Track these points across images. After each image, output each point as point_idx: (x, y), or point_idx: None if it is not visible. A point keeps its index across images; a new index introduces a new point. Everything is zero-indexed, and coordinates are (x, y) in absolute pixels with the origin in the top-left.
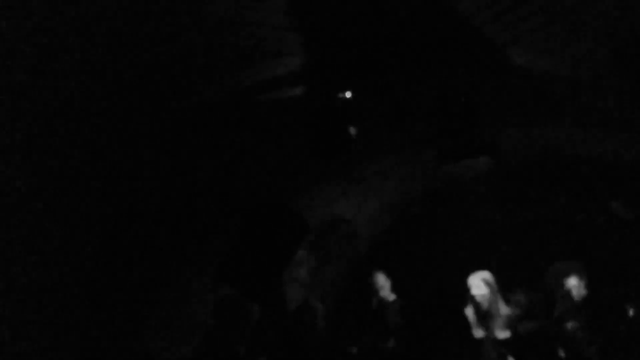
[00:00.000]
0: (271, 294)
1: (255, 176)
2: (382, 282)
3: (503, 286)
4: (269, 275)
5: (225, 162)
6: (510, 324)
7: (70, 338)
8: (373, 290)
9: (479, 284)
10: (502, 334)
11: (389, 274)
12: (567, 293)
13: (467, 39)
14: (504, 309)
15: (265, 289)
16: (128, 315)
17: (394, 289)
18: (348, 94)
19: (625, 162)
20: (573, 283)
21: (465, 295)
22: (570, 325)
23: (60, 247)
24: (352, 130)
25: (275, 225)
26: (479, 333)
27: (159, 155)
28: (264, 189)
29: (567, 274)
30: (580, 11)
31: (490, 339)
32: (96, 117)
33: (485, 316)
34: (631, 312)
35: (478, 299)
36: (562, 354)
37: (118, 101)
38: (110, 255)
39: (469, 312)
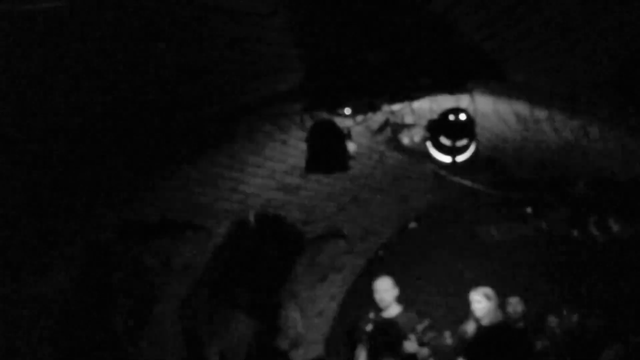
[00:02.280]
0: (269, 310)
1: (257, 189)
2: (387, 286)
3: (502, 301)
4: (266, 290)
5: (223, 176)
6: None
7: None
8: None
9: (480, 298)
10: None
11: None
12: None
13: (465, 56)
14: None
15: (262, 304)
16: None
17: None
18: (347, 111)
19: (622, 179)
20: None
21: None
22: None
23: None
24: (351, 147)
25: (272, 239)
26: None
27: (157, 167)
28: (261, 201)
29: None
30: (578, 29)
31: None
32: (96, 135)
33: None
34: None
35: (479, 313)
36: None
37: (119, 116)
38: None
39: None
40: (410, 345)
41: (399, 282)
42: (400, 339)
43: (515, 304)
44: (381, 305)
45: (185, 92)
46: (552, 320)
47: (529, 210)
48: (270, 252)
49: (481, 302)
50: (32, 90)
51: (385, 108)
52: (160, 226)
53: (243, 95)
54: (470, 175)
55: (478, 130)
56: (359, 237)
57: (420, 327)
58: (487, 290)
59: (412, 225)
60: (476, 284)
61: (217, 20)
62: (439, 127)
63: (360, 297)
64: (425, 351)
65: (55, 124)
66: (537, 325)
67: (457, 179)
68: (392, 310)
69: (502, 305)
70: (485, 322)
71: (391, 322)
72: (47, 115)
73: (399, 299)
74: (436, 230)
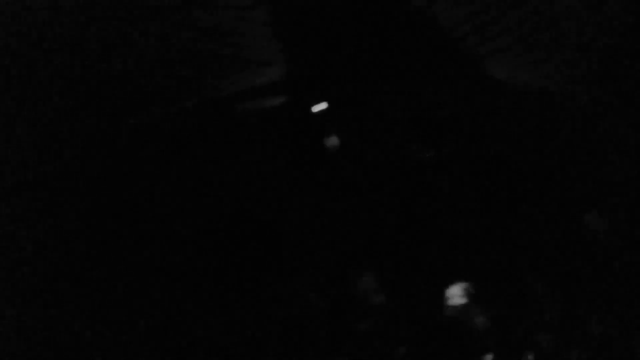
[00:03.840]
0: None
1: (233, 185)
2: (371, 283)
3: (479, 297)
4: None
5: (203, 172)
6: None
7: None
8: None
9: (457, 293)
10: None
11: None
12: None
13: (446, 52)
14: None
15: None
16: None
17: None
18: (323, 105)
19: (600, 174)
20: None
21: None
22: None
23: None
24: (332, 141)
25: (253, 235)
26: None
27: (136, 163)
28: (243, 197)
29: None
30: (558, 25)
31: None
32: (73, 122)
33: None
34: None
35: (455, 310)
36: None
37: (98, 107)
38: None
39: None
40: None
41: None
42: None
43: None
44: None
45: (163, 83)
46: None
47: (505, 203)
48: (250, 247)
49: (459, 298)
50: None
51: None
52: None
53: (223, 88)
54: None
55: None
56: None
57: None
58: (466, 285)
59: (392, 217)
60: (453, 279)
61: (198, 11)
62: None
63: None
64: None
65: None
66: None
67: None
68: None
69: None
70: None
71: None
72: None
73: None
74: (414, 221)
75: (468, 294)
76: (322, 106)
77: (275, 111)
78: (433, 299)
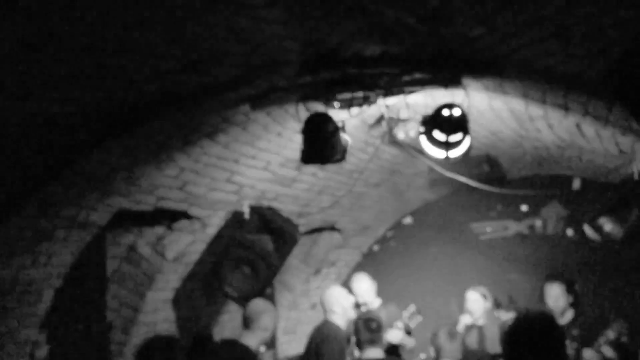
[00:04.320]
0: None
1: (248, 179)
2: (366, 286)
3: (495, 300)
4: (259, 281)
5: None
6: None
7: None
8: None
9: (477, 297)
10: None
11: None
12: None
13: (460, 51)
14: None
15: (255, 295)
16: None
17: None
18: (343, 104)
19: (615, 179)
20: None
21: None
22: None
23: None
24: (346, 139)
25: (266, 231)
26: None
27: (152, 155)
28: (256, 193)
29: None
30: (574, 28)
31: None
32: (92, 122)
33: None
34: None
35: (475, 313)
36: None
37: (116, 105)
38: None
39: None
40: (395, 335)
41: (392, 277)
42: (381, 330)
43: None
44: (365, 308)
45: (181, 82)
46: None
47: (524, 208)
48: (264, 244)
49: (478, 301)
50: (33, 79)
51: (381, 102)
52: (154, 215)
53: (238, 85)
54: (465, 171)
55: (473, 126)
56: (353, 232)
57: (406, 314)
58: (484, 289)
59: (407, 220)
60: (470, 280)
61: (215, 10)
62: (433, 122)
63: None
64: (411, 341)
65: (53, 112)
66: None
67: (452, 174)
68: (374, 305)
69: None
70: (480, 322)
71: (373, 315)
72: (47, 103)
73: (379, 293)
74: (431, 225)
75: None
76: (342, 104)
77: (290, 109)
78: None
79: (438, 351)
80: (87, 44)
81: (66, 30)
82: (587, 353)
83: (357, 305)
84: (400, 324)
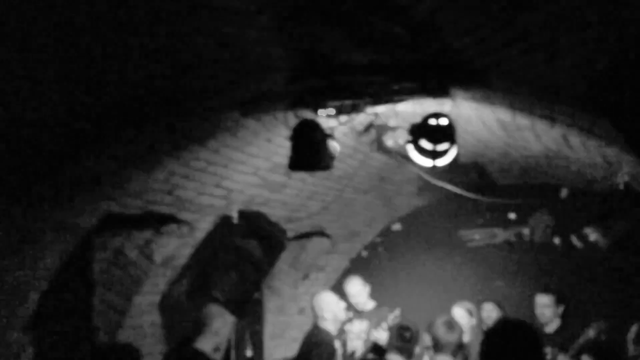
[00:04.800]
0: (248, 305)
1: (237, 184)
2: (359, 288)
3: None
4: (247, 286)
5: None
6: None
7: None
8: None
9: (463, 314)
10: None
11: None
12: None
13: (448, 61)
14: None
15: (243, 300)
16: None
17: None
18: (331, 111)
19: (602, 189)
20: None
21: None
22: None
23: None
24: (335, 146)
25: (254, 235)
26: None
27: (140, 159)
28: (245, 198)
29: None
30: (560, 41)
31: None
32: (79, 126)
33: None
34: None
35: (462, 328)
36: None
37: (103, 109)
38: None
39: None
40: (380, 335)
41: (381, 283)
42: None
43: (489, 310)
44: (358, 308)
45: (171, 87)
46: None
47: (511, 216)
48: (252, 249)
49: (463, 317)
50: (15, 82)
51: (369, 110)
52: (143, 218)
53: (228, 92)
54: (453, 179)
55: (461, 135)
56: (342, 237)
57: (391, 317)
58: (470, 305)
59: (396, 226)
60: (457, 287)
61: (204, 17)
62: (420, 130)
63: (343, 296)
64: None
65: (40, 115)
66: None
67: (440, 182)
68: (367, 306)
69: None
70: (466, 339)
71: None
72: (35, 106)
73: (372, 296)
74: (419, 232)
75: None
76: (330, 112)
77: (279, 116)
78: None
79: (436, 342)
80: (75, 48)
81: (53, 34)
82: (561, 358)
83: (348, 309)
84: (385, 325)
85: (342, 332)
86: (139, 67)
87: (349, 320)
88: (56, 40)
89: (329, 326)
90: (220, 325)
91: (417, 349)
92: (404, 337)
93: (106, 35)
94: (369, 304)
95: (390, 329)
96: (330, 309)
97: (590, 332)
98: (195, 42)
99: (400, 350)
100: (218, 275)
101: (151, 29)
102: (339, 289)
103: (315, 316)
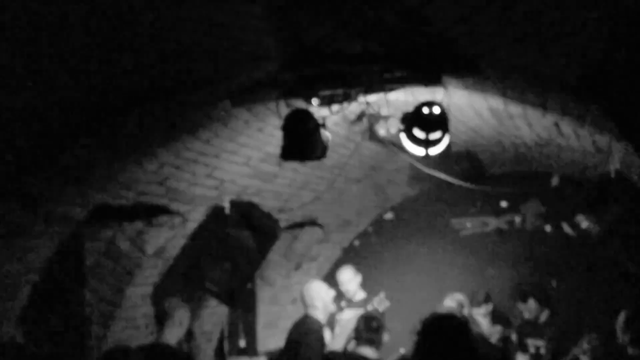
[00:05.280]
0: (241, 295)
1: (229, 175)
2: (350, 276)
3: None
4: (240, 276)
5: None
6: None
7: None
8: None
9: (454, 307)
10: None
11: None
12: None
13: (440, 50)
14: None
15: (236, 290)
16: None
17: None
18: (323, 100)
19: (593, 176)
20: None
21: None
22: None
23: None
24: (327, 136)
25: (247, 226)
26: None
27: (132, 150)
28: (237, 188)
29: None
30: (552, 29)
31: None
32: (70, 116)
33: None
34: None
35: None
36: None
37: (95, 98)
38: None
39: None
40: None
41: (373, 273)
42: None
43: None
44: (347, 295)
45: (162, 76)
46: (519, 313)
47: (503, 204)
48: (245, 239)
49: (455, 310)
50: (5, 73)
51: (361, 99)
52: (134, 210)
53: (219, 81)
54: (446, 168)
55: (453, 123)
56: (334, 227)
57: (376, 300)
58: (461, 296)
59: (388, 215)
60: (449, 276)
61: (196, 4)
62: (412, 119)
63: (335, 285)
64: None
65: (31, 105)
66: (504, 317)
67: (432, 171)
68: (357, 296)
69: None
70: None
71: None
72: (26, 97)
73: (364, 284)
74: (412, 221)
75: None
76: (322, 101)
77: (271, 105)
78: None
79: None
80: (64, 38)
81: (44, 23)
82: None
83: (339, 298)
84: (370, 307)
85: (332, 321)
86: (129, 56)
87: (340, 309)
88: (46, 30)
89: (319, 315)
90: (183, 316)
91: (385, 337)
92: (371, 327)
93: (95, 23)
94: (359, 294)
95: (358, 320)
96: (320, 298)
97: (584, 345)
98: (185, 30)
99: (370, 342)
100: (210, 266)
101: (140, 17)
102: (331, 279)
103: (306, 305)
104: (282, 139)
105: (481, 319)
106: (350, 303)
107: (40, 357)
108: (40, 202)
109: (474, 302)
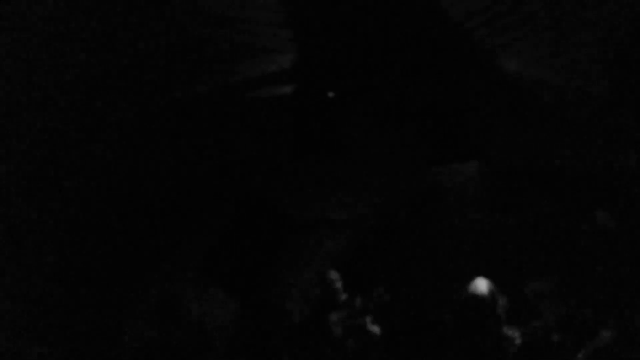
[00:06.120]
0: (253, 291)
1: (242, 173)
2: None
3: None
4: (252, 271)
5: (213, 158)
6: None
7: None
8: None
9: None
10: None
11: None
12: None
13: (458, 43)
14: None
15: (247, 286)
16: (113, 308)
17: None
18: (331, 94)
19: (611, 171)
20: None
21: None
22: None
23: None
24: (341, 130)
25: (259, 222)
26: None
27: (148, 150)
28: (250, 186)
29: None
30: (570, 21)
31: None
32: (86, 111)
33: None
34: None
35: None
36: None
37: (110, 93)
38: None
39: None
40: None
41: (383, 269)
42: None
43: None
44: None
45: (174, 70)
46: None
47: (516, 199)
48: (255, 234)
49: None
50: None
51: None
52: None
53: (234, 74)
54: (458, 163)
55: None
56: (345, 221)
57: (375, 293)
58: (486, 282)
59: (399, 211)
60: (461, 273)
61: None
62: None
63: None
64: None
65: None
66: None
67: (444, 167)
68: None
69: None
70: None
71: None
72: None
73: None
74: (423, 217)
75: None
76: (330, 94)
77: (285, 99)
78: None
79: None
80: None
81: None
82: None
83: None
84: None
85: None
86: (137, 49)
87: None
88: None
89: None
90: None
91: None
92: None
93: (107, 17)
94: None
95: None
96: None
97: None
98: (200, 23)
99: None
100: (224, 262)
101: (155, 10)
102: None
103: None
104: (297, 133)
105: None
106: None
107: None
108: None
109: None
